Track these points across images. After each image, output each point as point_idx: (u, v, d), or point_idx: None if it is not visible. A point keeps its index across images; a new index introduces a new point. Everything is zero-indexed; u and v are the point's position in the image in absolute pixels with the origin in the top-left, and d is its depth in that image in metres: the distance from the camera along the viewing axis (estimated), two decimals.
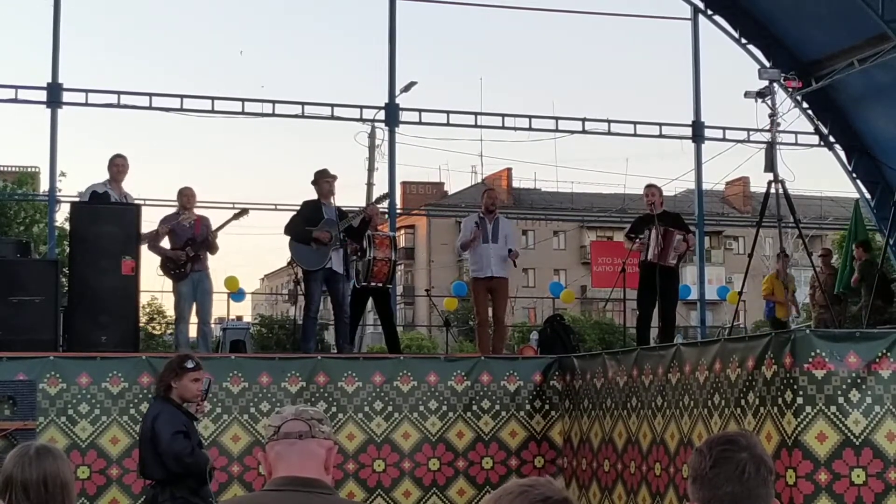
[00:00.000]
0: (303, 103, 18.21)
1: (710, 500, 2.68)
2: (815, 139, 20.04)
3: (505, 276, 12.22)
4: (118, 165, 11.32)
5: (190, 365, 6.92)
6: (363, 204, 14.24)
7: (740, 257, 49.19)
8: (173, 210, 11.70)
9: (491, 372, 10.77)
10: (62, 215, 19.65)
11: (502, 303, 12.39)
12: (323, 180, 11.43)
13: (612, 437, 9.87)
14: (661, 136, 19.65)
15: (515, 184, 53.09)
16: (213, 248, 11.40)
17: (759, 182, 56.90)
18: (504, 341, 12.86)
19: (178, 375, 6.89)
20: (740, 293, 13.46)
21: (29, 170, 35.27)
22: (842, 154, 19.97)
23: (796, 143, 19.89)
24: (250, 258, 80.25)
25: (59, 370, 9.68)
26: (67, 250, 12.25)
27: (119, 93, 17.35)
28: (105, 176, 11.35)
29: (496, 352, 12.09)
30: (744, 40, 19.20)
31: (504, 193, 51.35)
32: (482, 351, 12.22)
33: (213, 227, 11.47)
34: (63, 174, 25.52)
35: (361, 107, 18.69)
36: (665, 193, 12.11)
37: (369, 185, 27.12)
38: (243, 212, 11.72)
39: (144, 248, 11.05)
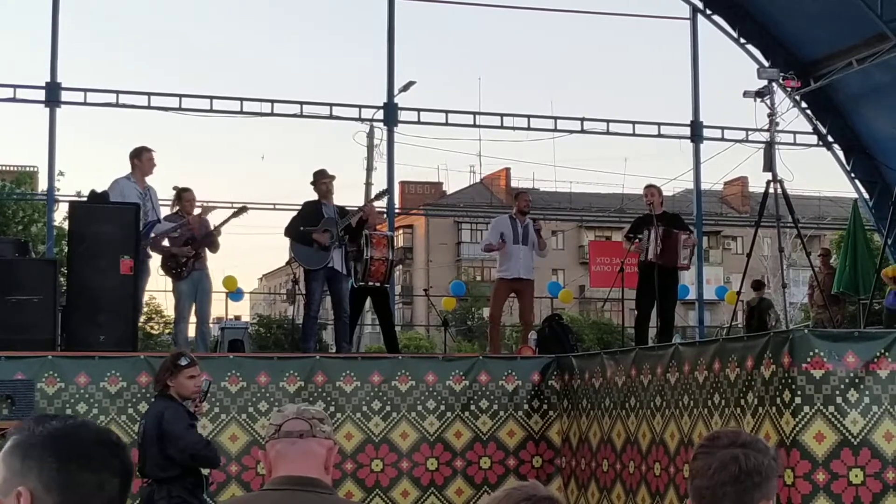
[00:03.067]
0: (301, 103, 18.24)
1: (692, 492, 2.65)
2: (814, 139, 20.08)
3: (532, 277, 12.32)
4: (148, 161, 11.22)
5: (184, 362, 6.91)
6: (362, 203, 14.21)
7: (739, 257, 49.14)
8: (171, 209, 11.69)
9: (489, 372, 10.77)
10: (61, 214, 19.68)
11: (528, 304, 12.56)
12: (322, 180, 11.44)
13: (611, 437, 9.86)
14: (659, 135, 19.69)
15: (514, 183, 52.92)
16: (214, 246, 11.40)
17: (758, 182, 56.87)
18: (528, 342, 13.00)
19: (174, 374, 6.89)
20: (739, 293, 13.45)
21: (27, 169, 35.26)
22: (840, 154, 20.00)
23: (795, 143, 19.93)
24: (248, 258, 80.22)
25: (58, 369, 9.67)
26: (66, 250, 12.23)
27: (118, 92, 17.37)
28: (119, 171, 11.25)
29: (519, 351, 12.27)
30: (742, 40, 19.23)
31: (502, 193, 51.36)
32: (494, 350, 12.34)
33: (213, 226, 11.46)
34: (62, 173, 25.50)
35: (360, 106, 18.72)
36: (664, 193, 12.12)
37: (368, 184, 27.12)
38: (243, 209, 11.71)
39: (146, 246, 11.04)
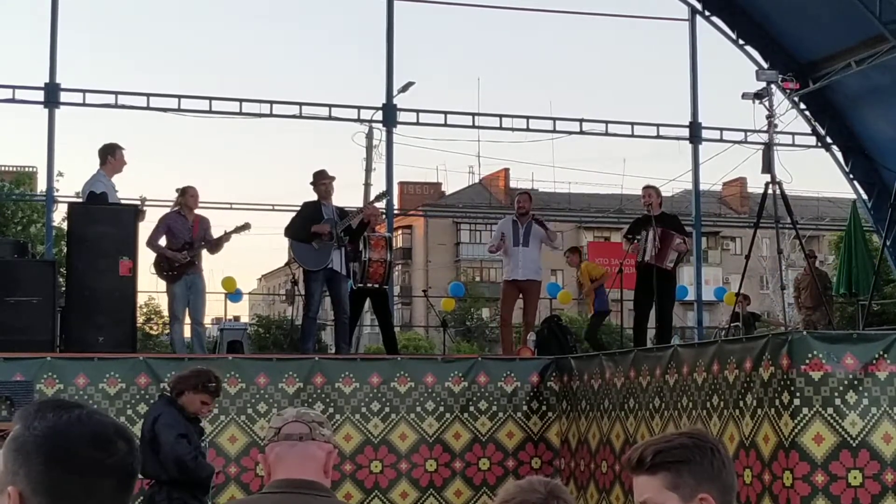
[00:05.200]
0: (300, 104, 18.22)
1: (726, 495, 2.50)
2: (813, 140, 20.07)
3: (536, 279, 12.36)
4: (122, 159, 11.14)
5: (211, 387, 6.99)
6: (361, 204, 14.22)
7: (737, 258, 49.14)
8: (170, 209, 11.62)
9: (488, 373, 10.76)
10: (60, 215, 19.66)
11: (531, 305, 12.61)
12: (321, 181, 11.44)
13: (610, 439, 9.86)
14: (658, 136, 19.68)
15: (513, 184, 52.96)
16: (216, 249, 11.36)
17: (757, 183, 56.82)
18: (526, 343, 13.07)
19: (196, 390, 6.96)
20: (737, 294, 13.46)
21: (26, 170, 35.21)
22: (839, 155, 19.99)
23: (794, 145, 19.91)
24: (248, 258, 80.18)
25: (57, 371, 9.67)
26: (65, 251, 12.21)
27: (117, 93, 17.35)
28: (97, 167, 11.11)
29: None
30: (741, 41, 19.22)
31: (501, 194, 51.36)
32: (505, 352, 12.35)
33: (215, 235, 11.37)
34: (61, 174, 25.41)
35: (359, 107, 18.71)
36: (662, 194, 12.11)
37: (367, 185, 27.10)
38: (245, 225, 11.62)
39: (143, 247, 11.00)
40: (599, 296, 14.60)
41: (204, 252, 11.32)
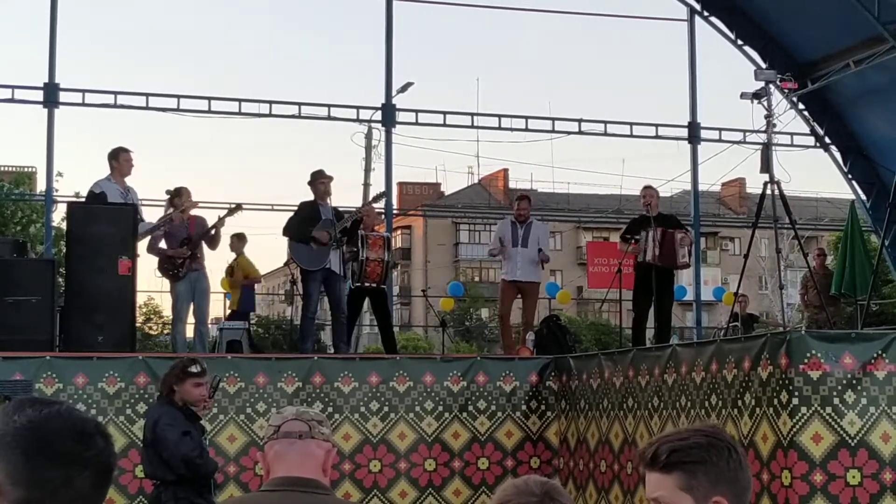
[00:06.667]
0: (299, 104, 18.20)
1: (741, 496, 2.48)
2: (811, 140, 20.06)
3: (535, 280, 12.45)
4: (126, 162, 11.15)
5: (194, 370, 6.91)
6: (360, 204, 14.20)
7: (736, 258, 48.97)
8: (165, 211, 11.65)
9: (487, 372, 10.77)
10: (59, 215, 19.66)
11: (529, 305, 12.73)
12: (319, 181, 11.48)
13: (609, 438, 9.87)
14: (657, 136, 19.67)
15: (512, 184, 53.02)
16: (214, 243, 11.39)
17: (756, 183, 56.86)
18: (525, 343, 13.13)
19: (180, 380, 6.90)
20: (736, 294, 13.47)
21: (26, 170, 35.17)
22: (837, 155, 19.99)
23: (792, 145, 19.90)
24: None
25: (56, 370, 9.67)
26: (64, 250, 12.22)
27: (116, 93, 17.33)
28: (106, 171, 11.16)
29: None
30: (740, 41, 19.22)
31: (500, 194, 51.37)
32: (505, 351, 12.46)
33: (209, 224, 11.42)
34: (60, 174, 25.39)
35: (358, 107, 18.70)
36: (661, 194, 12.13)
37: (366, 185, 27.14)
38: (238, 207, 11.70)
39: (143, 249, 11.03)
40: (248, 295, 14.35)
41: (206, 250, 11.37)
